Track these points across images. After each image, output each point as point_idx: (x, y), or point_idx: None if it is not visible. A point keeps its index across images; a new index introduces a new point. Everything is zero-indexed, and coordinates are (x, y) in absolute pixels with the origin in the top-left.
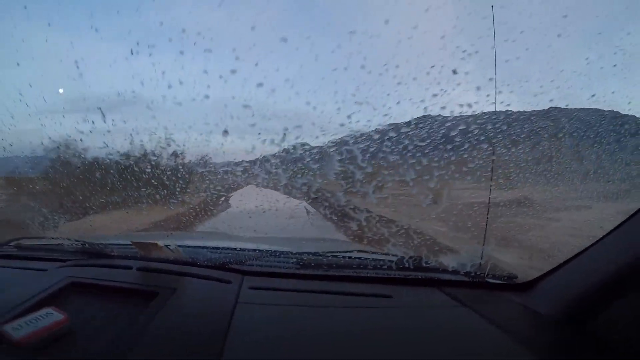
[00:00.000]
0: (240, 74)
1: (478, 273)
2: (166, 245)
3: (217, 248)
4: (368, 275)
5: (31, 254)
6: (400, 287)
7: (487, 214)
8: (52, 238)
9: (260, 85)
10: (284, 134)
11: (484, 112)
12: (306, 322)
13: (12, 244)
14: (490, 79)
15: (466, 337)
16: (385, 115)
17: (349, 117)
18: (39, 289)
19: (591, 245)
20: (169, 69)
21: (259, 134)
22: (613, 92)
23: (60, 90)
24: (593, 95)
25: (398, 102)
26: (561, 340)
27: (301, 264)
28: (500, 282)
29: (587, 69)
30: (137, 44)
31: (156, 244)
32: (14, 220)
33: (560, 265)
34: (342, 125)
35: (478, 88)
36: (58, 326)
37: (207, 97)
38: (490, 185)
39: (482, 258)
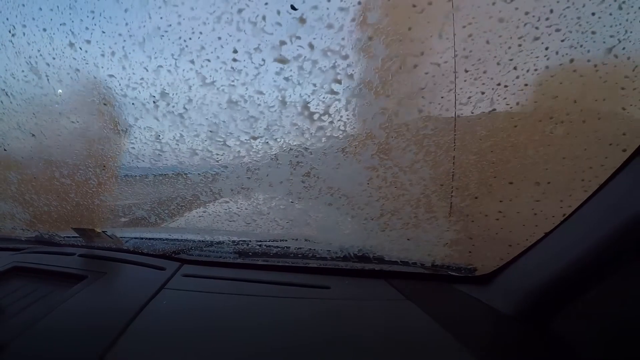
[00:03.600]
0: (94, 44)
1: (433, 264)
2: (104, 232)
3: (163, 239)
4: (308, 265)
5: None
6: (341, 278)
7: (450, 203)
8: (6, 228)
9: (113, 53)
10: (154, 102)
11: None
12: (233, 311)
13: None
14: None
15: (400, 333)
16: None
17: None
18: None
19: (551, 231)
20: (43, 47)
21: (133, 104)
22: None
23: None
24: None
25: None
26: (514, 340)
27: (241, 252)
28: (457, 274)
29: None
30: (14, 27)
31: (94, 230)
32: None
33: (520, 255)
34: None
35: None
36: None
37: (77, 70)
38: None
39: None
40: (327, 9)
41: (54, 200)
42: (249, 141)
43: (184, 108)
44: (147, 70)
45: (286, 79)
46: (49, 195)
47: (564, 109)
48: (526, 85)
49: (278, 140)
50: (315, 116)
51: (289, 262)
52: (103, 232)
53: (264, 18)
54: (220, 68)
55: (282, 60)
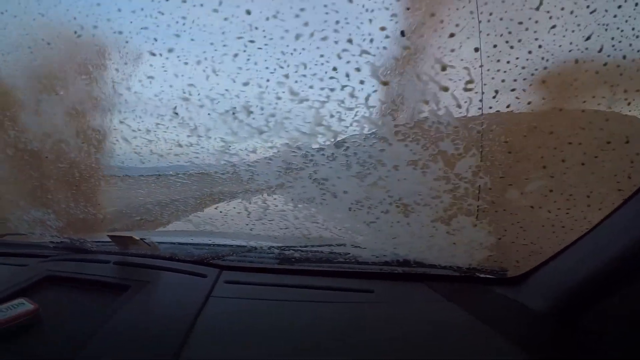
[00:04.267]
0: (179, 51)
1: (468, 267)
2: (142, 239)
3: (197, 244)
4: (350, 269)
5: (15, 250)
6: (383, 282)
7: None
8: (35, 234)
9: (198, 62)
10: (233, 114)
11: None
12: (280, 316)
13: None
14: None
15: (449, 333)
16: None
17: None
18: (17, 282)
19: (584, 235)
20: (114, 51)
21: (209, 114)
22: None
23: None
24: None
25: None
26: (550, 336)
27: (281, 258)
28: (491, 276)
29: None
30: (82, 27)
31: (132, 237)
32: None
33: (552, 257)
34: None
35: None
36: (28, 315)
37: (151, 78)
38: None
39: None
40: (433, 38)
41: (92, 208)
42: (324, 154)
43: (266, 121)
44: (234, 82)
45: (379, 99)
46: (88, 202)
47: (609, 126)
48: (584, 101)
49: (357, 154)
50: (399, 136)
51: (332, 266)
52: (141, 239)
53: (371, 41)
54: (315, 85)
55: (381, 82)
